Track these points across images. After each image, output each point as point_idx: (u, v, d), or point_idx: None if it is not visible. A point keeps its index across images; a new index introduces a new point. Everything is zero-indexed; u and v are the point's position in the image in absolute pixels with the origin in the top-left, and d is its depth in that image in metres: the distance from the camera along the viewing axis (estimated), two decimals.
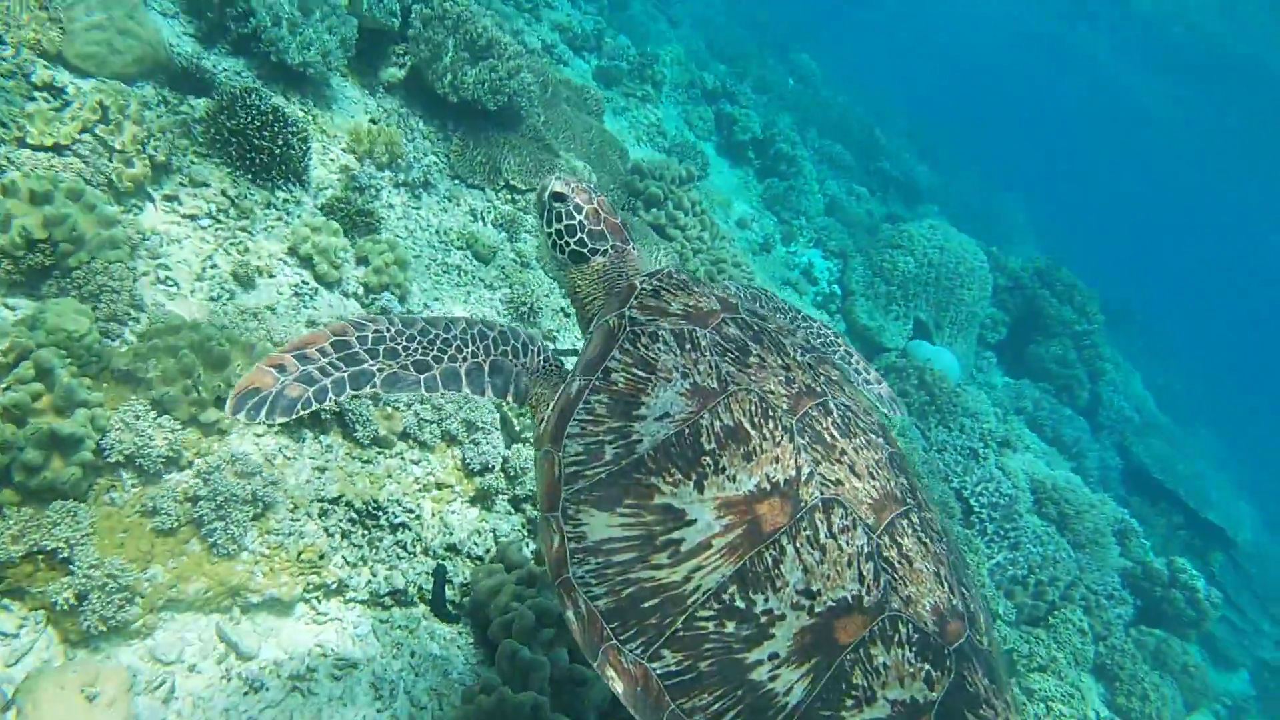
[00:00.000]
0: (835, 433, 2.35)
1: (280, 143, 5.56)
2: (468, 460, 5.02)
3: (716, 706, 2.09)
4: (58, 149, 4.58)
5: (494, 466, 5.07)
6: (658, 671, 2.14)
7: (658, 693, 2.13)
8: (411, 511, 4.59)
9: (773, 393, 2.37)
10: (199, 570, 3.75)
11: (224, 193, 5.30)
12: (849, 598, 2.10)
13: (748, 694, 2.08)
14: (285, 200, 5.67)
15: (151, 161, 4.91)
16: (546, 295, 6.84)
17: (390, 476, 4.68)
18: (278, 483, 4.09)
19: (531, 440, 2.76)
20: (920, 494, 2.44)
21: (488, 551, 4.80)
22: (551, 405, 2.51)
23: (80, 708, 2.93)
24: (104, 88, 4.94)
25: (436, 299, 6.07)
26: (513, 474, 5.09)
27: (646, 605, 2.17)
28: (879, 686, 2.06)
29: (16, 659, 3.28)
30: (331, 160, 6.31)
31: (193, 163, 5.28)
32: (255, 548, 3.93)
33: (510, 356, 2.68)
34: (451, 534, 4.72)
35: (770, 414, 2.31)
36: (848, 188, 16.34)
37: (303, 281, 5.32)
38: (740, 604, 2.10)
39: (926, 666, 2.09)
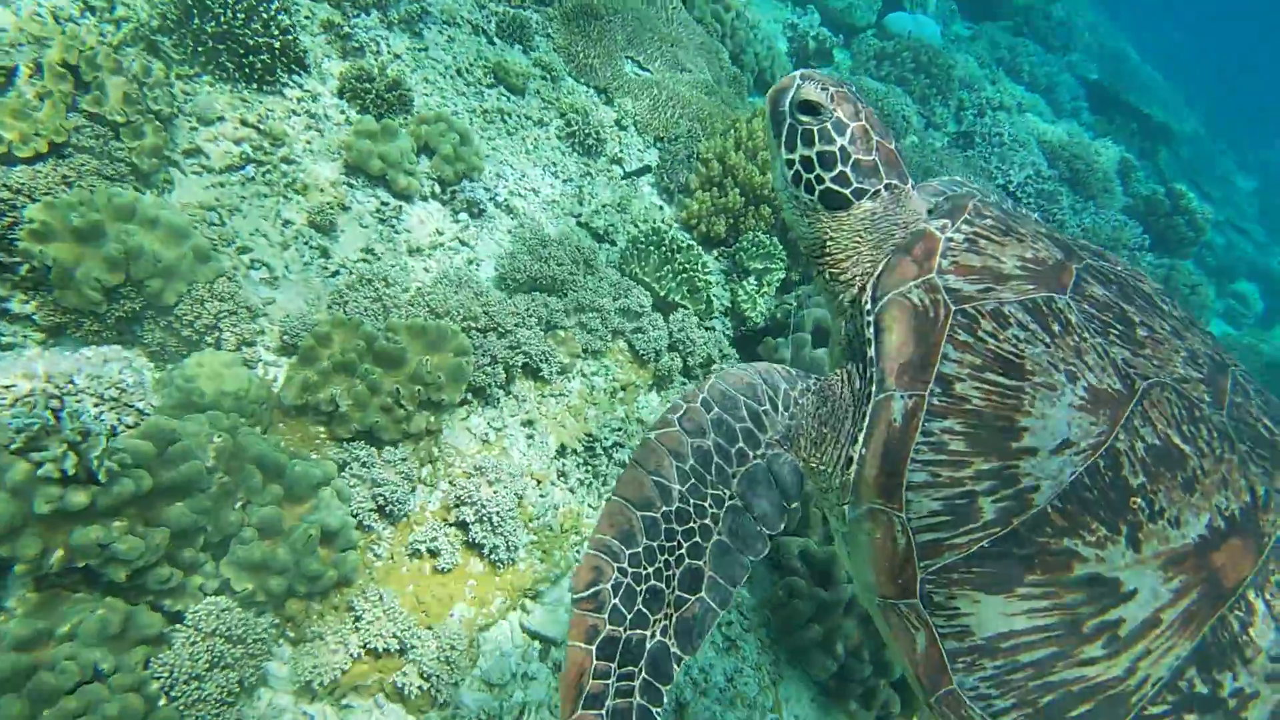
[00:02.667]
0: (1269, 422, 1.78)
1: (275, 30, 4.29)
2: (638, 350, 4.63)
3: None
4: (57, 150, 3.42)
5: (662, 348, 4.70)
6: None
7: None
8: (619, 429, 4.29)
9: (1186, 381, 1.73)
10: (491, 587, 3.50)
11: (243, 121, 4.17)
12: None
13: None
14: (301, 99, 4.52)
15: (159, 118, 3.75)
16: (594, 109, 5.91)
17: (586, 401, 4.30)
18: (518, 471, 3.70)
19: (819, 481, 1.94)
20: None
21: None
22: (861, 442, 1.77)
23: None
24: (33, 25, 3.59)
25: (503, 162, 5.17)
26: (682, 348, 4.75)
27: (1077, 714, 1.65)
28: None
29: None
30: (306, 19, 4.96)
31: (188, 96, 4.07)
32: (525, 540, 3.66)
33: (754, 453, 1.86)
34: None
35: (1197, 415, 1.69)
36: None
37: (381, 204, 4.42)
38: (1203, 689, 1.63)
39: None
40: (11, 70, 3.46)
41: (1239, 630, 1.62)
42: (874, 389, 1.77)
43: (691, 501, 1.77)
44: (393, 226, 4.39)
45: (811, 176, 1.96)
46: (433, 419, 3.63)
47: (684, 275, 4.91)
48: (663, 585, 1.72)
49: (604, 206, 5.37)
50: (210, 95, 4.14)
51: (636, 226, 5.25)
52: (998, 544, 1.64)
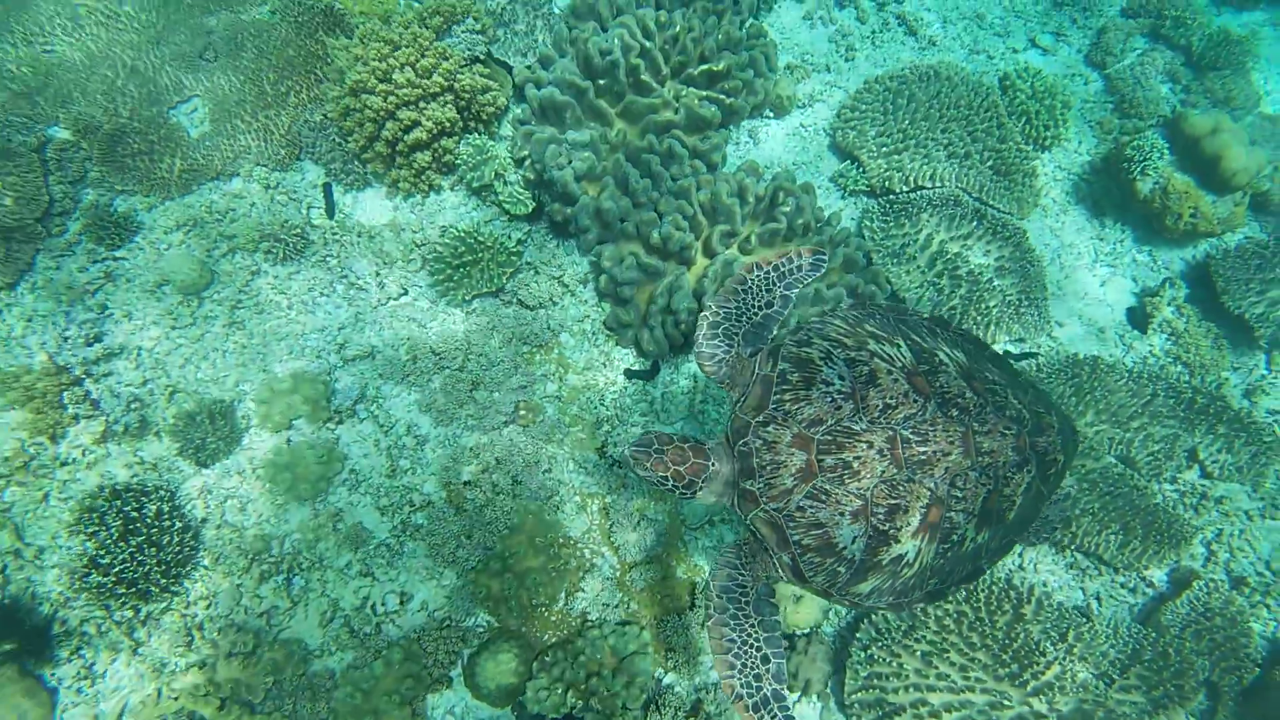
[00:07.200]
0: (931, 470, 3.12)
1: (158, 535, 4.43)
2: (534, 338, 5.49)
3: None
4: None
5: (546, 323, 5.49)
6: None
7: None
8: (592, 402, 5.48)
9: (886, 506, 3.09)
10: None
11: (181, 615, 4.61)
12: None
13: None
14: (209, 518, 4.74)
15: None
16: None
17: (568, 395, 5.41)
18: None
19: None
20: (974, 401, 3.29)
21: None
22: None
23: None
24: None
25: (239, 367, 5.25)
26: (542, 305, 5.53)
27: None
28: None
29: None
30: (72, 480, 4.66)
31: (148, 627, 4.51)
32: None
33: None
34: None
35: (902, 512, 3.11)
36: None
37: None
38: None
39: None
40: None
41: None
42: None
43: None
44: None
45: (669, 489, 3.44)
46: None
47: (492, 261, 5.41)
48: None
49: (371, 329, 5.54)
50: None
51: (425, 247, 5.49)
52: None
